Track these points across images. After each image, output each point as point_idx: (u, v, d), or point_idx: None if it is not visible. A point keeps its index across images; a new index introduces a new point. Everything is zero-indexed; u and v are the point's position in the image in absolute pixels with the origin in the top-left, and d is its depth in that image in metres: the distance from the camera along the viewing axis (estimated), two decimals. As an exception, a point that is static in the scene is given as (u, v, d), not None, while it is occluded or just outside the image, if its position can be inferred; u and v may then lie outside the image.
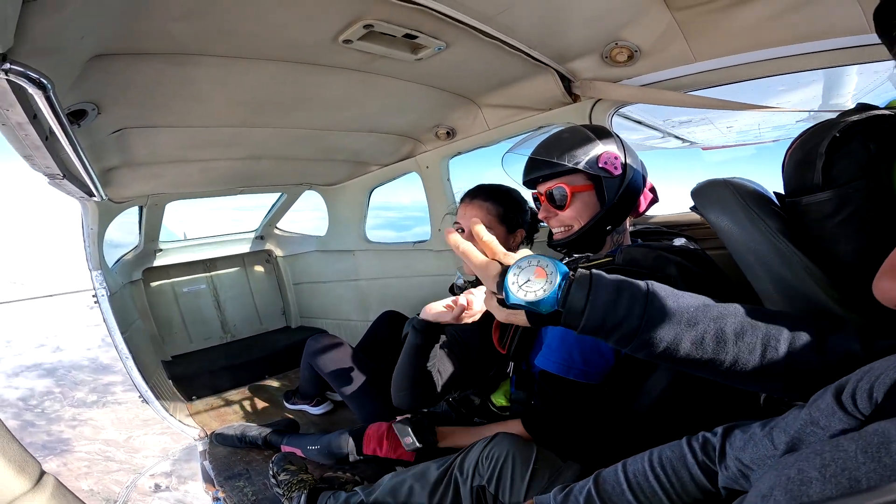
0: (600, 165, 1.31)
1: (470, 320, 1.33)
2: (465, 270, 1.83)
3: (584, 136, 1.34)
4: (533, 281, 0.77)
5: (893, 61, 0.91)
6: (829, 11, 1.13)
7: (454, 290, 2.00)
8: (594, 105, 1.71)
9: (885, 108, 0.93)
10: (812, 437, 0.69)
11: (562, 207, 1.36)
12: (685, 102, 1.53)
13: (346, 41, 1.30)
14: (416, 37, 1.32)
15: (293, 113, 1.88)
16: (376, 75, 1.60)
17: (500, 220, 1.71)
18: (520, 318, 0.81)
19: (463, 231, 1.74)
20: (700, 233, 1.56)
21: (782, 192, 1.06)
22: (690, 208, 1.18)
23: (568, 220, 1.37)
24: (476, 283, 1.80)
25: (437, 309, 1.35)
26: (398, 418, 1.58)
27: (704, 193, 1.13)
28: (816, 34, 1.17)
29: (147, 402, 2.33)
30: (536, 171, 1.38)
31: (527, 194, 1.67)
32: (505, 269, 0.80)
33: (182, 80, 1.42)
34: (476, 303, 1.32)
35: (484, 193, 1.74)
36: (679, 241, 1.43)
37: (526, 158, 1.42)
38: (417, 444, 1.45)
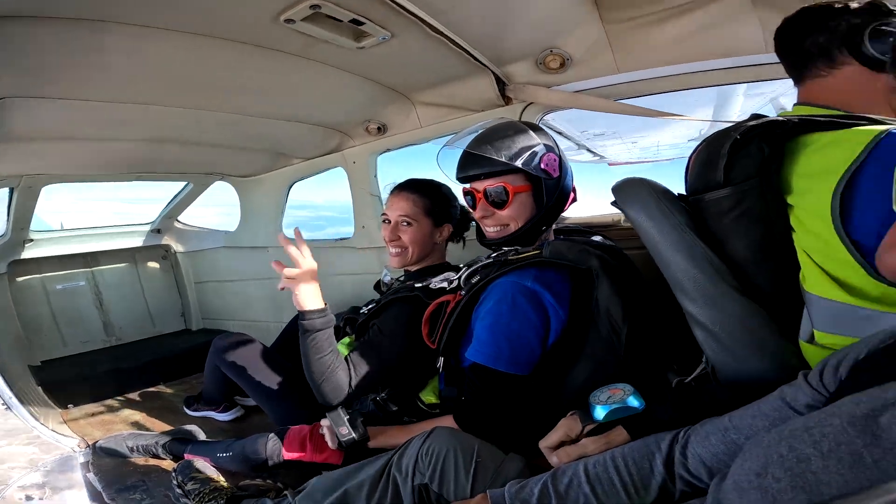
0: (542, 167, 1.33)
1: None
2: (392, 264, 1.82)
3: (526, 135, 1.36)
4: (613, 395, 1.01)
5: (777, 83, 1.09)
6: (736, 31, 1.31)
7: (380, 288, 1.96)
8: (525, 108, 1.80)
9: (779, 115, 1.08)
10: (777, 412, 0.73)
11: (500, 207, 1.37)
12: (611, 109, 1.65)
13: (289, 21, 1.23)
14: (362, 23, 1.29)
15: (214, 94, 1.74)
16: (313, 62, 1.54)
17: (426, 212, 1.73)
18: (623, 435, 0.95)
19: (390, 222, 1.74)
20: (613, 234, 1.68)
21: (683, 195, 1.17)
22: (611, 203, 1.26)
23: (506, 219, 1.39)
24: (409, 278, 1.78)
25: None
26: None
27: (624, 189, 1.21)
28: (725, 52, 1.35)
29: (11, 410, 2.00)
30: (476, 167, 1.36)
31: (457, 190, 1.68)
32: (586, 405, 1.03)
33: (86, 48, 1.26)
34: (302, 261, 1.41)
35: (412, 186, 1.76)
36: (597, 239, 1.53)
37: (459, 153, 1.41)
38: (353, 435, 1.38)
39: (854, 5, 1.00)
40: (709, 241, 1.08)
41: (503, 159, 1.30)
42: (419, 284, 1.65)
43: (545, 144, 1.37)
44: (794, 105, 1.11)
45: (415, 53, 1.53)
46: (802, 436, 0.57)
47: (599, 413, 1.00)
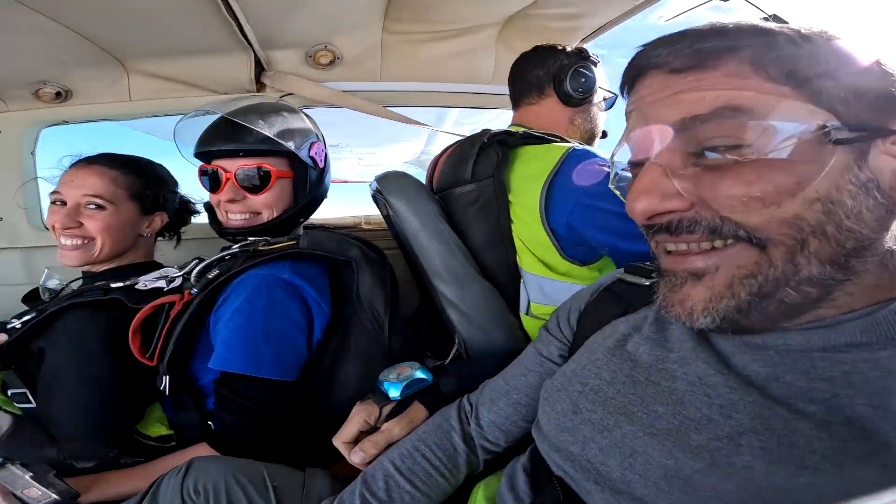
0: (311, 154, 1.27)
1: None
2: (64, 262, 1.29)
3: (299, 117, 1.28)
4: (402, 373, 1.00)
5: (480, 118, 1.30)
6: (476, 62, 1.57)
7: (38, 298, 1.39)
8: (280, 99, 1.67)
9: (510, 126, 1.34)
10: (541, 367, 0.80)
11: (256, 191, 1.21)
12: (374, 112, 1.70)
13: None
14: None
15: None
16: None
17: (132, 195, 1.32)
18: (423, 412, 0.93)
19: (65, 204, 1.27)
20: (356, 233, 1.71)
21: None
22: (376, 191, 1.32)
23: (259, 206, 1.24)
24: (95, 280, 1.29)
25: None
26: None
27: (389, 180, 1.28)
28: (465, 78, 1.60)
29: None
30: (234, 140, 1.17)
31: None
32: (375, 386, 1.00)
33: None
34: None
35: (110, 160, 1.32)
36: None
37: (201, 129, 1.20)
38: (52, 496, 0.92)
39: (569, 49, 1.27)
40: (455, 231, 1.23)
41: (273, 136, 1.18)
42: (119, 284, 1.24)
43: (315, 133, 1.32)
44: (509, 125, 1.38)
45: (161, 8, 1.24)
46: (583, 372, 0.63)
47: (395, 391, 0.96)
